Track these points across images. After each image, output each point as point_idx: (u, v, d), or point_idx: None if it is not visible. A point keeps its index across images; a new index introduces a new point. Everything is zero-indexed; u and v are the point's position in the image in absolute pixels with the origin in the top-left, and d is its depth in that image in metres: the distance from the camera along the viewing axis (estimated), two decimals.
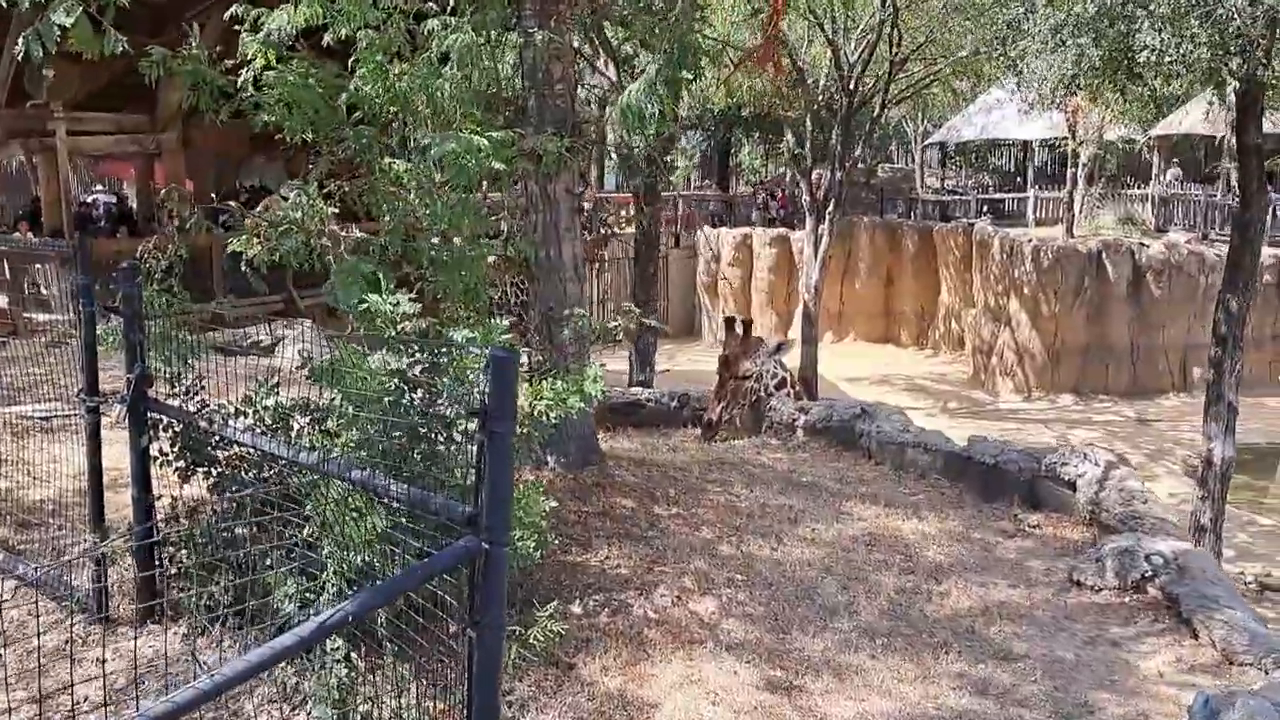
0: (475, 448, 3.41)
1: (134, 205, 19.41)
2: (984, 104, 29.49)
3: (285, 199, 7.39)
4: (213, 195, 16.06)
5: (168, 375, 5.40)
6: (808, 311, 21.64)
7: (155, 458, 5.28)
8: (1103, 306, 24.11)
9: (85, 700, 4.67)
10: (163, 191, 15.74)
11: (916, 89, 23.64)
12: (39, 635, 4.99)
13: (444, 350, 4.79)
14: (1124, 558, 6.13)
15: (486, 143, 5.90)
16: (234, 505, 5.34)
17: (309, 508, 4.62)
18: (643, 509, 6.84)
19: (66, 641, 5.16)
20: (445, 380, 5.18)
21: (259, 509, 5.28)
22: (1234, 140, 14.37)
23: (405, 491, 3.63)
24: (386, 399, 4.92)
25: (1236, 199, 27.31)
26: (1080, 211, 26.80)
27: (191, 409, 5.36)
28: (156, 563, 5.39)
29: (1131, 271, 24.12)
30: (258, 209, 6.90)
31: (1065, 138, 26.04)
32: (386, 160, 6.57)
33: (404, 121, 6.32)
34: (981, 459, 8.03)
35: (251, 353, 8.70)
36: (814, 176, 22.34)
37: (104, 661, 4.83)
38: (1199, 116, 27.44)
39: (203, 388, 5.51)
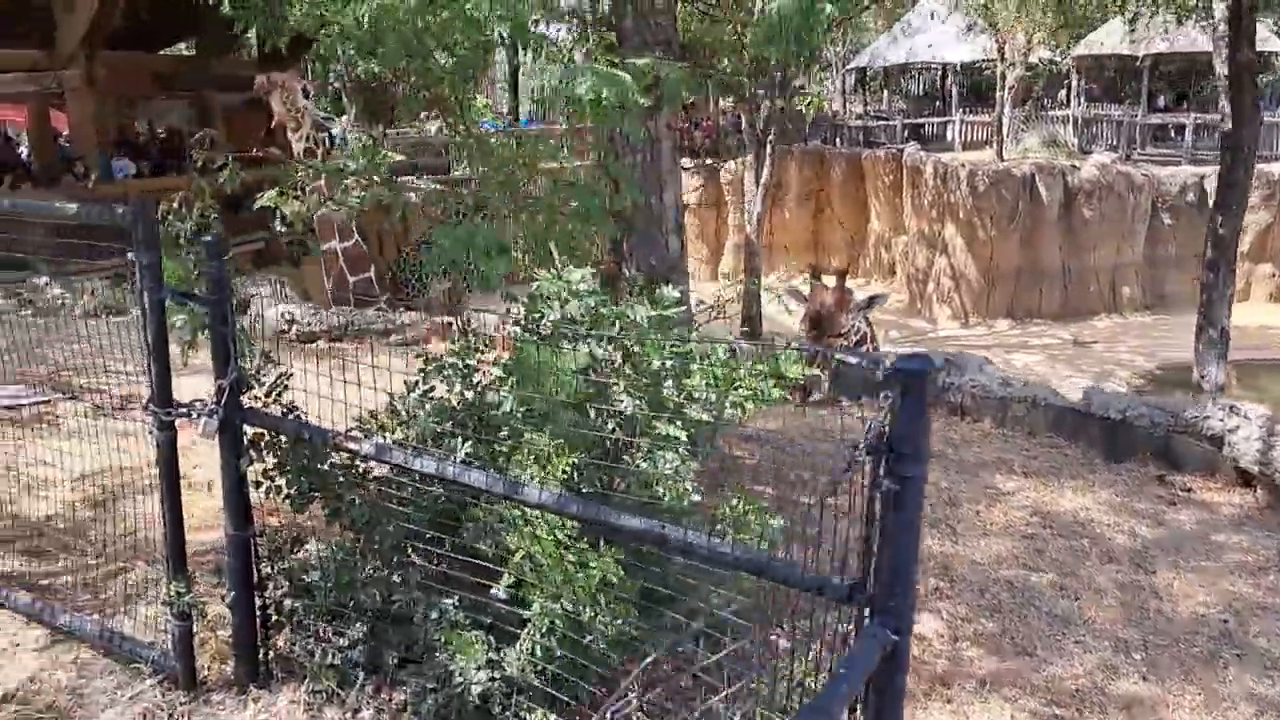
0: (868, 496, 2.57)
1: (26, 151, 17.26)
2: (909, 27, 28.79)
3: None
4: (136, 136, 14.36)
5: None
6: (750, 245, 20.69)
7: (258, 482, 4.16)
8: (1035, 230, 23.91)
9: None
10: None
11: (854, 12, 22.79)
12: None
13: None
14: None
15: (628, 76, 4.79)
16: (373, 542, 4.22)
17: (517, 550, 3.54)
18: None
19: (143, 716, 4.07)
20: (628, 372, 4.18)
21: (401, 543, 4.20)
22: (1222, 59, 13.84)
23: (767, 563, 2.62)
24: (586, 402, 3.87)
25: (1184, 117, 27.48)
26: (1006, 134, 26.48)
27: (278, 413, 4.22)
28: (259, 612, 4.27)
29: (1063, 194, 23.93)
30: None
31: (993, 60, 25.59)
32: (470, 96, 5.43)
33: (513, 45, 5.14)
34: (1104, 413, 7.26)
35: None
36: (753, 104, 21.39)
37: None
38: (1118, 37, 27.37)
39: (288, 385, 4.35)
